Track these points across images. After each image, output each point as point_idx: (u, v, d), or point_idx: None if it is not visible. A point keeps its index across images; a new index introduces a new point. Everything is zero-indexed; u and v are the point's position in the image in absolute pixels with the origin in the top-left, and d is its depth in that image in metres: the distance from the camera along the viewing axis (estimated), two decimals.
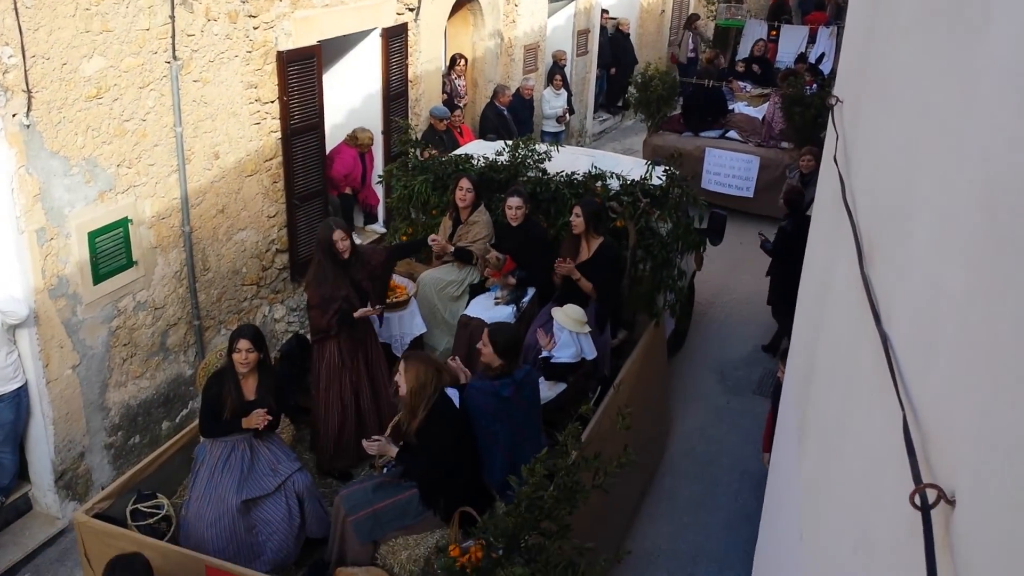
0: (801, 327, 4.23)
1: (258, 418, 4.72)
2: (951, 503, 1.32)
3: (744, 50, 15.47)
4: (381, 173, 8.20)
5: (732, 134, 12.08)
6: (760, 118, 12.12)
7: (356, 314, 5.44)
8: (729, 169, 11.72)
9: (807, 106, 11.01)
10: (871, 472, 1.92)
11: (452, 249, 6.48)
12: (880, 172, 2.39)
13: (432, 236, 6.47)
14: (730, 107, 12.73)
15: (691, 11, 18.26)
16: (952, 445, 1.39)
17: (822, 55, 15.01)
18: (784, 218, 8.58)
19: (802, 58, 14.37)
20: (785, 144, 11.52)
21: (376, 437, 4.87)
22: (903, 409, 1.60)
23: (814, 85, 11.78)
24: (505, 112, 11.04)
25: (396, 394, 4.89)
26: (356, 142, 8.72)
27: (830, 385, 2.78)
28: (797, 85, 11.41)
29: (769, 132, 11.78)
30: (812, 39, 15.74)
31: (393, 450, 4.84)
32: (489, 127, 10.84)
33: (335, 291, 5.45)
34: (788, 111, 11.28)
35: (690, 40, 16.66)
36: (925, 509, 1.33)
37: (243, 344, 4.76)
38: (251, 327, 4.95)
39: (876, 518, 1.80)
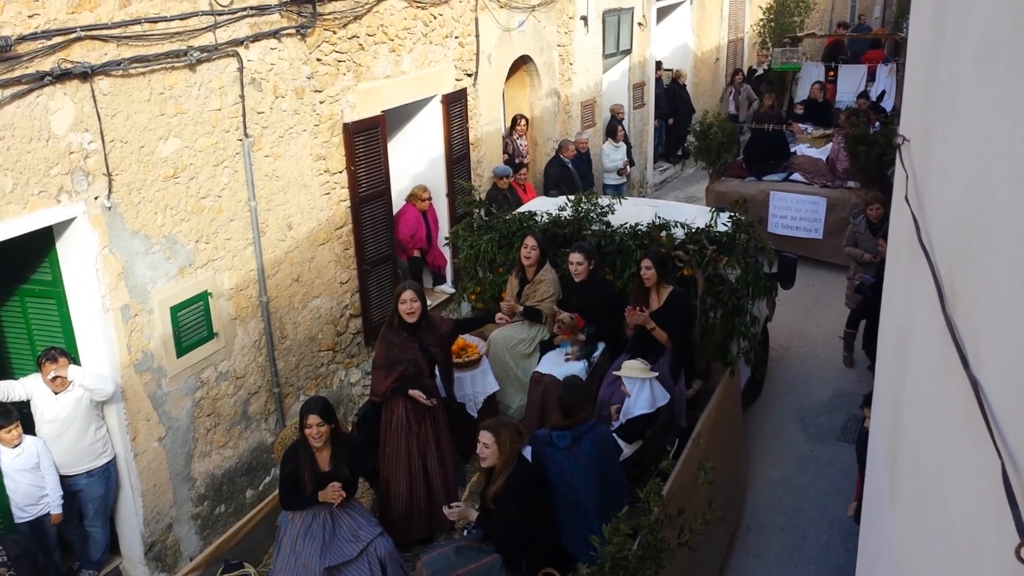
0: (884, 374, 4.12)
1: (334, 493, 4.76)
2: None
3: (803, 92, 15.33)
4: (448, 235, 8.32)
5: (796, 176, 11.93)
6: (824, 159, 11.98)
7: (411, 392, 5.44)
8: (796, 212, 11.56)
9: (871, 144, 10.84)
10: (970, 525, 1.84)
11: (521, 309, 6.51)
12: (957, 209, 2.34)
13: (503, 298, 6.56)
14: (792, 150, 12.61)
15: (745, 61, 18.33)
16: None
17: (883, 92, 14.81)
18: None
19: (864, 95, 14.19)
20: (851, 184, 11.35)
21: (456, 504, 4.88)
22: (1000, 457, 1.54)
23: (876, 123, 11.60)
24: (570, 165, 11.17)
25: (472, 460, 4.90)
26: (416, 200, 8.88)
27: (920, 433, 2.69)
28: (859, 124, 11.26)
29: (834, 172, 11.62)
30: (871, 77, 15.53)
31: (473, 515, 4.83)
32: (552, 181, 10.98)
33: (402, 353, 5.48)
34: (852, 150, 11.12)
35: (731, 97, 16.31)
36: None
37: (313, 420, 4.80)
38: (319, 400, 4.99)
39: (977, 573, 1.73)
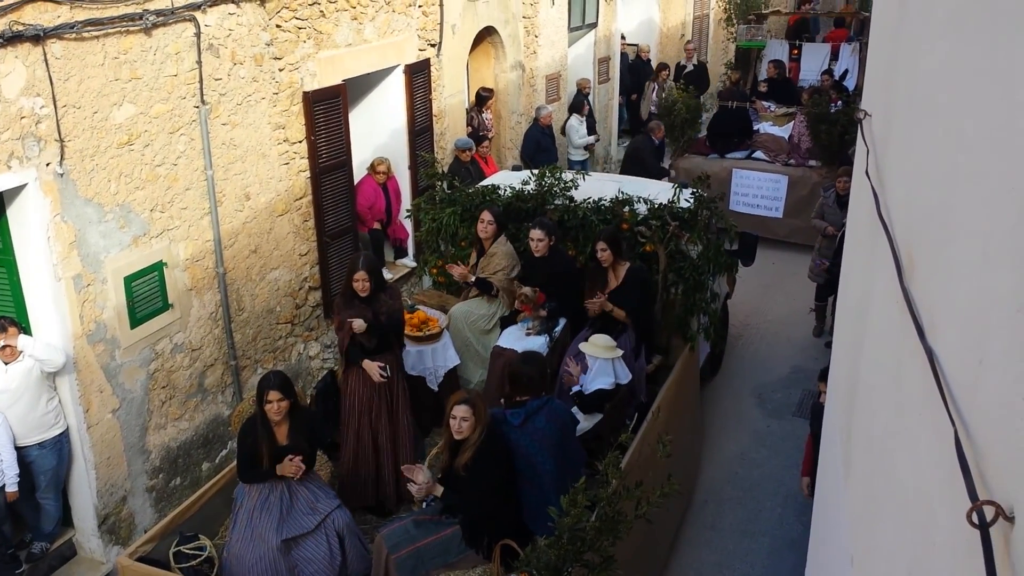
0: (841, 347, 4.17)
1: (292, 467, 4.72)
2: (1010, 520, 1.27)
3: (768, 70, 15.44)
4: (409, 207, 8.25)
5: (759, 154, 12.01)
6: (786, 137, 12.06)
7: (365, 364, 5.47)
8: (757, 189, 11.66)
9: (833, 123, 10.94)
10: (923, 492, 1.86)
11: (473, 279, 6.50)
12: (916, 182, 2.35)
13: (452, 266, 6.58)
14: (755, 127, 12.68)
15: (710, 37, 18.25)
16: (1008, 460, 1.34)
17: (845, 71, 14.93)
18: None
19: (828, 72, 14.32)
20: (813, 162, 11.46)
21: (422, 479, 4.85)
22: (954, 425, 1.55)
23: (839, 103, 11.70)
24: (549, 132, 11.44)
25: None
26: (374, 172, 8.79)
27: (875, 404, 2.72)
28: (821, 103, 11.35)
29: (796, 151, 11.71)
30: (835, 56, 15.66)
31: (439, 489, 4.82)
32: (532, 146, 11.21)
33: (357, 316, 5.48)
34: (814, 129, 11.22)
35: (653, 95, 14.14)
36: (983, 527, 1.28)
37: (273, 395, 4.75)
38: (278, 375, 4.94)
39: (931, 539, 1.74)
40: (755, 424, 8.03)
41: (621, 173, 10.71)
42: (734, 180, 11.74)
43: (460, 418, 4.68)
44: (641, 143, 11.35)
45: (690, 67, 15.07)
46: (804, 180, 11.31)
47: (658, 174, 10.53)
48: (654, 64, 15.15)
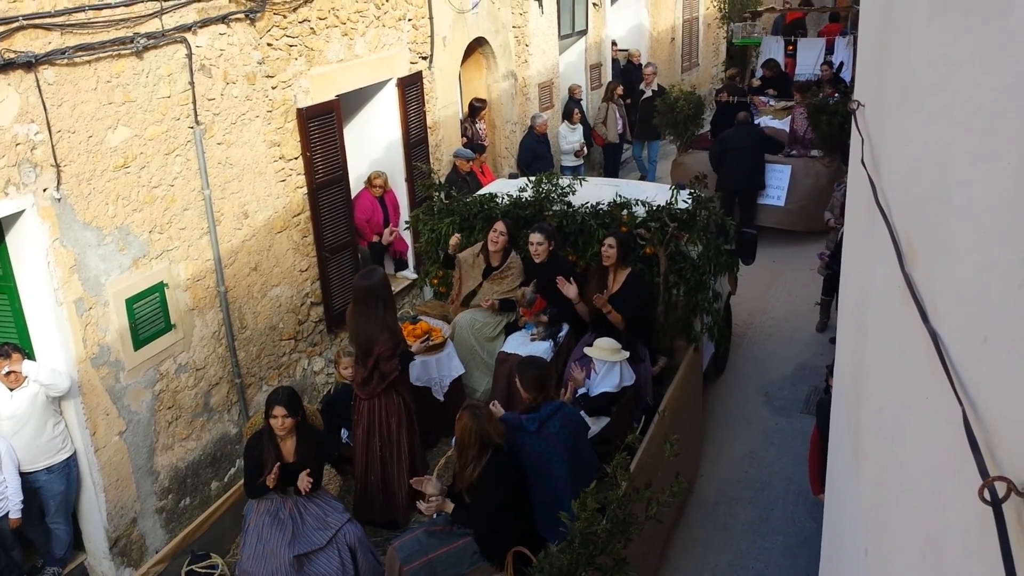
0: (845, 339, 4.16)
1: (303, 482, 4.72)
2: (1022, 495, 1.27)
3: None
4: (408, 219, 8.26)
5: None
6: (786, 130, 12.25)
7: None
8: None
9: (832, 113, 11.08)
10: (934, 475, 1.86)
11: (497, 305, 6.54)
12: (911, 167, 2.35)
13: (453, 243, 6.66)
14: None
15: (700, 38, 18.28)
16: (1017, 435, 1.34)
17: (841, 64, 15.05)
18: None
19: (828, 63, 14.47)
20: (815, 152, 11.65)
21: (432, 496, 4.84)
22: (961, 404, 1.55)
23: (835, 95, 11.81)
24: (544, 140, 11.52)
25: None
26: (371, 185, 8.81)
27: (881, 392, 2.71)
28: (815, 95, 11.48)
29: (799, 142, 11.89)
30: (830, 50, 15.82)
31: (449, 506, 4.81)
32: (528, 154, 11.30)
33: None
34: (815, 120, 11.40)
35: (616, 113, 13.26)
36: (996, 503, 1.27)
37: (278, 411, 4.78)
38: (286, 391, 4.94)
39: (944, 521, 1.74)
40: (763, 423, 8.00)
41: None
42: None
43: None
44: None
45: (649, 93, 13.60)
46: (807, 170, 11.53)
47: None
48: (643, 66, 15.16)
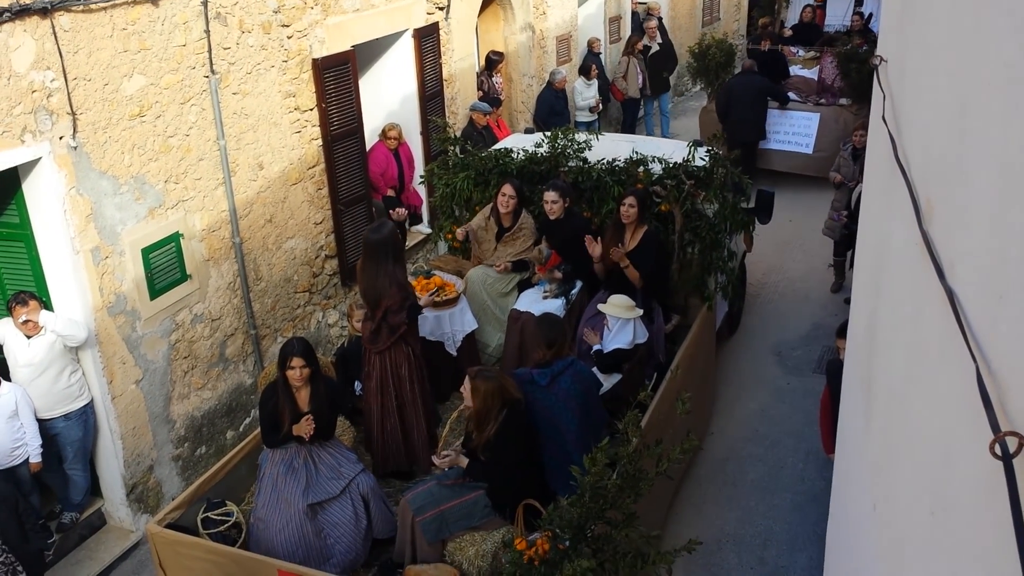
0: (860, 297, 4.14)
1: (306, 427, 4.76)
2: None
3: (793, 16, 15.65)
4: (423, 173, 8.23)
5: (791, 95, 12.22)
6: (815, 79, 12.27)
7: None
8: (789, 127, 11.94)
9: (862, 62, 11.06)
10: (945, 431, 1.86)
11: (511, 267, 6.54)
12: (932, 124, 2.31)
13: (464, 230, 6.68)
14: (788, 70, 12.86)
15: None
16: None
17: (871, 15, 14.85)
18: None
19: (859, 13, 14.36)
20: (844, 101, 11.67)
21: (446, 452, 4.89)
22: (975, 360, 1.54)
23: (864, 46, 11.74)
24: (562, 95, 11.46)
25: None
26: (385, 137, 8.77)
27: (894, 349, 2.70)
28: (847, 43, 11.51)
29: (827, 90, 11.92)
30: (859, 2, 15.64)
31: (464, 461, 4.86)
32: (546, 108, 11.25)
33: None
34: (844, 68, 11.40)
35: (637, 67, 12.99)
36: (1007, 458, 1.27)
37: (296, 361, 4.80)
38: (301, 341, 4.96)
39: (954, 476, 1.74)
40: (775, 382, 8.01)
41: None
42: (768, 119, 11.92)
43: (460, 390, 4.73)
44: None
45: (655, 47, 13.29)
46: (836, 117, 11.56)
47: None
48: (667, 23, 14.90)
